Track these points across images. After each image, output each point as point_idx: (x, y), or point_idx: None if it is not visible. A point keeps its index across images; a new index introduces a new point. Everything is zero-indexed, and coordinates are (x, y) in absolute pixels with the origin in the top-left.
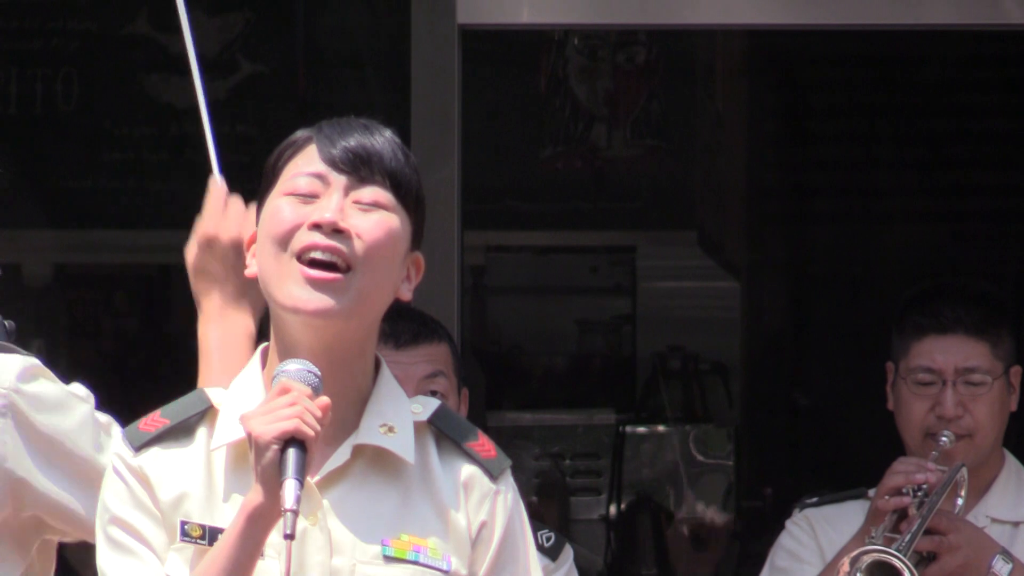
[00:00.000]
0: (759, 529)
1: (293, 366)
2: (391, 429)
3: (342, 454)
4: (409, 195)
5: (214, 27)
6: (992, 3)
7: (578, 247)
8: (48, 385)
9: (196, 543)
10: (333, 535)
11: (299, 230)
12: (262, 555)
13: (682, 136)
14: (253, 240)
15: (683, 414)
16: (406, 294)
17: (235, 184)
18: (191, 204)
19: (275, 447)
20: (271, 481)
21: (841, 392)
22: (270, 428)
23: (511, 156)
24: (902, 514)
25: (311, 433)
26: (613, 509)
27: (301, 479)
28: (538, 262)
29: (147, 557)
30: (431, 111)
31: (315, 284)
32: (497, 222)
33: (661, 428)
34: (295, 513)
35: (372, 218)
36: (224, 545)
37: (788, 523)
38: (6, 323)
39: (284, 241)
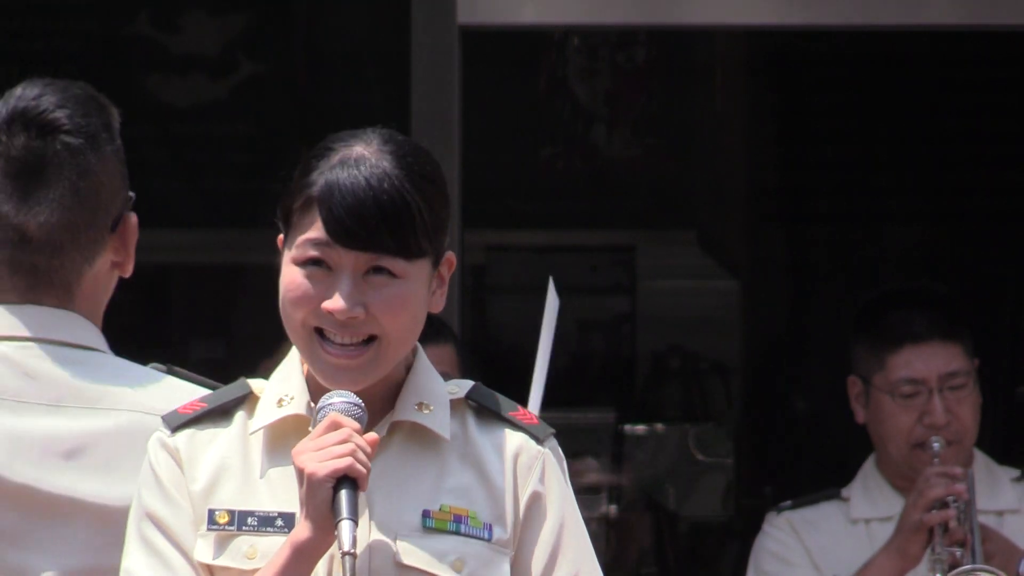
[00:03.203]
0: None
1: (338, 399)
2: (427, 406)
3: (379, 431)
4: (425, 244)
5: (214, 27)
6: (992, 3)
7: (578, 247)
8: None
9: (223, 530)
10: (372, 510)
11: (314, 308)
12: None
13: (682, 136)
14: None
15: (683, 413)
16: (438, 306)
17: (235, 183)
18: (191, 204)
19: (328, 486)
20: (323, 519)
21: (841, 392)
22: (324, 466)
23: (511, 156)
24: (943, 526)
25: (364, 472)
26: (613, 508)
27: (356, 519)
28: (538, 262)
29: (177, 563)
30: (431, 111)
31: (339, 367)
32: (497, 222)
33: (661, 427)
34: (353, 556)
35: (387, 292)
36: (267, 573)
37: (767, 527)
38: None
39: (300, 313)
